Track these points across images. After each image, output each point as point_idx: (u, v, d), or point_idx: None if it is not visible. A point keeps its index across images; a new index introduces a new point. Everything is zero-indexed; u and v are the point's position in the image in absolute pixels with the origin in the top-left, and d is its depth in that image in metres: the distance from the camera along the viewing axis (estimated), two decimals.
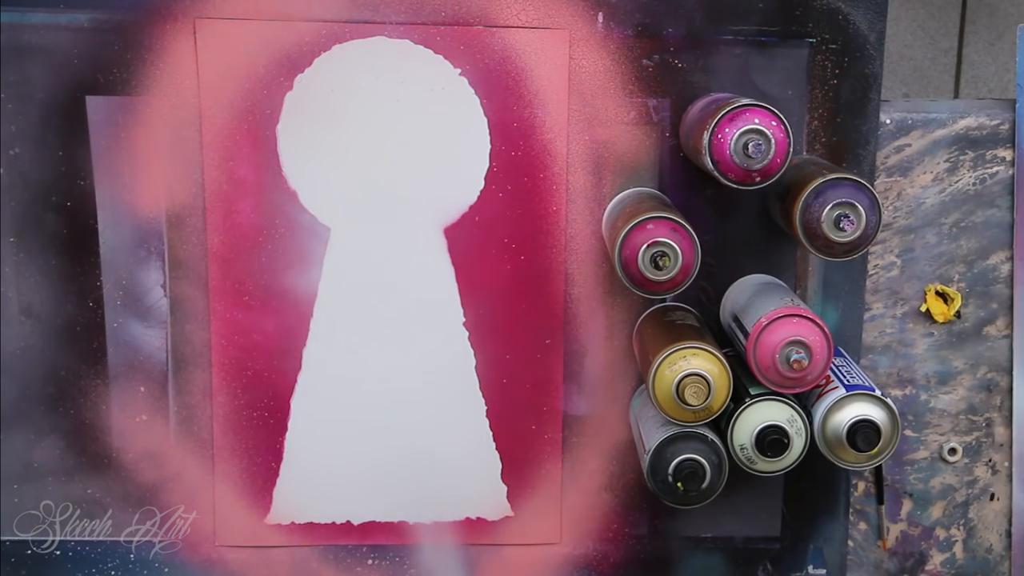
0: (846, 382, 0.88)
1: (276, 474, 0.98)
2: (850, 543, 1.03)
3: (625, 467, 1.00)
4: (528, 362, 0.97)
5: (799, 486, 1.00)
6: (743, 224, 0.96)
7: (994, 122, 0.97)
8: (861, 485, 1.03)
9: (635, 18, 0.92)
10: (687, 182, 0.95)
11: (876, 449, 0.86)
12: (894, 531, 1.03)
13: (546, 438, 0.99)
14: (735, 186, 0.82)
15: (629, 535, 1.01)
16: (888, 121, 0.96)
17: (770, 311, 0.84)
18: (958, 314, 1.00)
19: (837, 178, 0.83)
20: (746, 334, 0.85)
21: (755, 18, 0.93)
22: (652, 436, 0.88)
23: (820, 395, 0.88)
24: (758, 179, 0.82)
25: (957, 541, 1.04)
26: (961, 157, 0.98)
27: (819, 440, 0.86)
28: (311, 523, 0.99)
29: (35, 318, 0.95)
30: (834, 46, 0.93)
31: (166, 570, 0.99)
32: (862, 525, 1.03)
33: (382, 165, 0.94)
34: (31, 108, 0.91)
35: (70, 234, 0.93)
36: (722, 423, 0.87)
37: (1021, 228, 0.98)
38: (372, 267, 0.95)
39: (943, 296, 1.00)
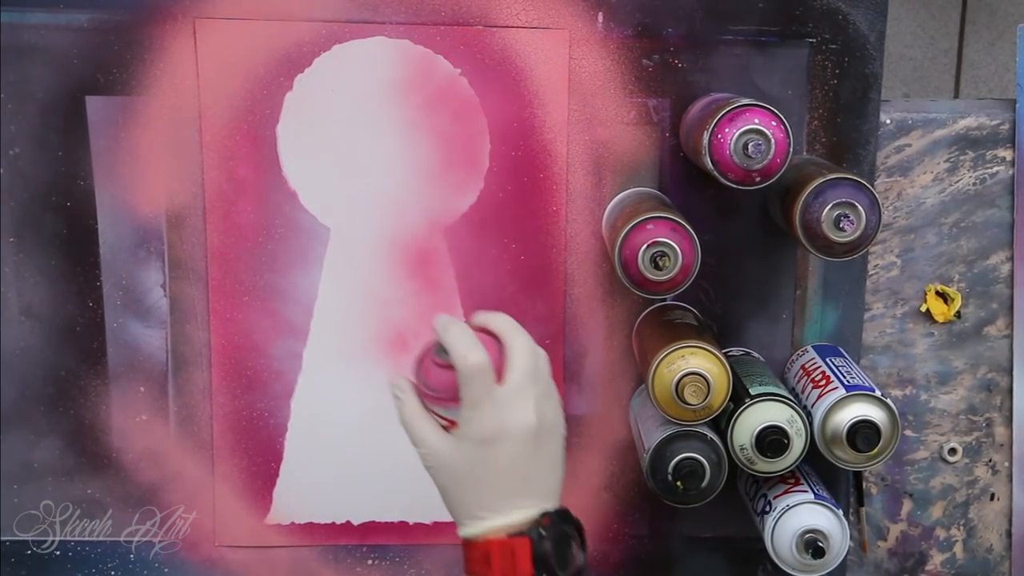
0: (846, 382, 0.88)
1: (276, 474, 0.98)
2: (851, 543, 1.02)
3: (625, 467, 1.00)
4: None
5: None
6: (743, 224, 0.96)
7: (994, 122, 0.97)
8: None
9: (635, 18, 0.92)
10: (687, 182, 0.95)
11: (876, 449, 0.85)
12: (894, 531, 1.03)
13: None
14: (735, 186, 0.82)
15: (629, 535, 1.01)
16: (888, 121, 0.96)
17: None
18: (958, 314, 1.00)
19: (837, 178, 0.83)
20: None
21: (755, 18, 0.92)
22: (652, 435, 0.88)
23: (820, 395, 0.88)
24: (758, 179, 0.82)
25: (957, 541, 1.04)
26: (961, 157, 0.97)
27: (819, 440, 0.86)
28: (311, 523, 0.99)
29: (35, 318, 0.95)
30: (834, 46, 0.93)
31: (166, 570, 0.99)
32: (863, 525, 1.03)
33: (382, 165, 0.94)
34: (31, 108, 0.91)
35: (70, 234, 0.93)
36: (722, 423, 0.87)
37: (1021, 228, 0.98)
38: (372, 267, 0.95)
39: (943, 296, 0.99)
